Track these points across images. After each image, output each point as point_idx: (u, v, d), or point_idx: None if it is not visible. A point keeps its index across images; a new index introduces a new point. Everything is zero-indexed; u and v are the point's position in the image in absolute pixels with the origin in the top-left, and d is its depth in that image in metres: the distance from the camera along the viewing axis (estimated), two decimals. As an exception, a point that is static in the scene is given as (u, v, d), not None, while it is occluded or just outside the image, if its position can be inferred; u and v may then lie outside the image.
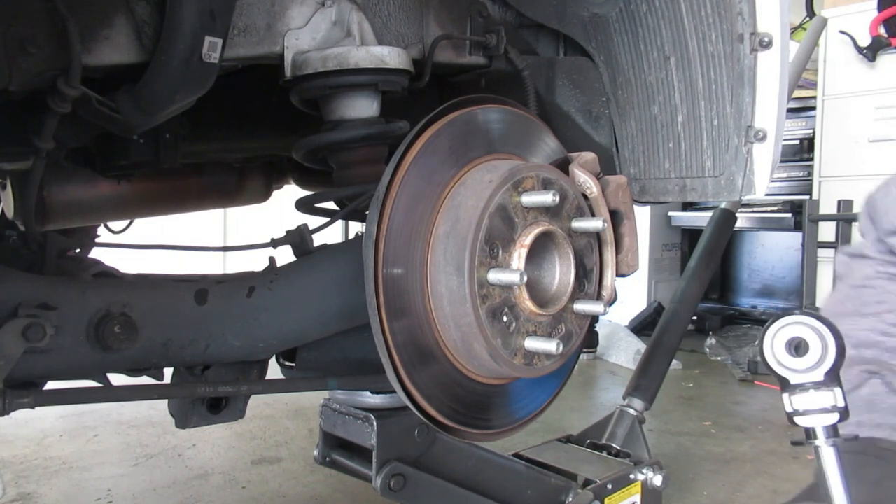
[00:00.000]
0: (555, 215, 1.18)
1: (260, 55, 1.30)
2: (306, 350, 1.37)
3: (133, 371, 1.25)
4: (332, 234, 2.66)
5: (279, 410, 3.28)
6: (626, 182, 1.32)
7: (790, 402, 0.83)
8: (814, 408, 0.82)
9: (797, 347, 0.82)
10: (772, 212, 4.71)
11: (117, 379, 1.27)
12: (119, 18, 1.13)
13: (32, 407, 1.11)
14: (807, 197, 4.23)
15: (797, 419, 0.84)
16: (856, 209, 3.75)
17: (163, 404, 1.35)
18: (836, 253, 1.24)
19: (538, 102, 1.58)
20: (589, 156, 1.31)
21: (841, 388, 0.82)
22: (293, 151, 1.47)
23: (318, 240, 1.42)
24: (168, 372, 1.31)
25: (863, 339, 1.03)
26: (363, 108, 1.37)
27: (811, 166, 4.35)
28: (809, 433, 0.83)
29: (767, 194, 1.69)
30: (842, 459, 0.82)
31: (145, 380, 1.29)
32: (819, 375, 0.81)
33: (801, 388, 0.82)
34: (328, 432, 1.45)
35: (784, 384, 0.83)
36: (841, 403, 0.82)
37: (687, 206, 5.14)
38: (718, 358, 4.32)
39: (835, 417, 0.82)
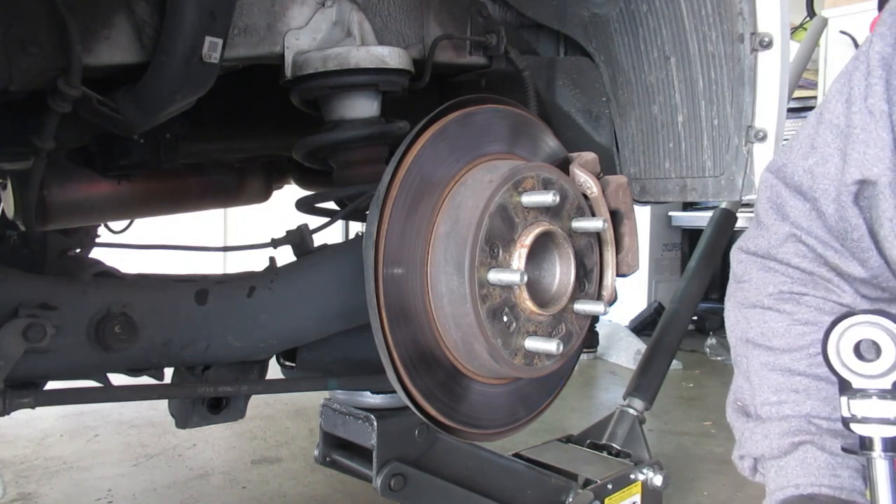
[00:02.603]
0: (555, 215, 1.18)
1: (260, 55, 1.30)
2: (307, 350, 1.37)
3: (133, 371, 1.25)
4: (332, 234, 2.67)
5: (279, 410, 3.28)
6: (626, 182, 1.32)
7: (848, 406, 0.77)
8: (874, 416, 0.76)
9: (867, 350, 0.76)
10: (772, 212, 4.69)
11: (117, 379, 1.27)
12: (119, 18, 1.13)
13: (33, 407, 1.11)
14: (807, 197, 4.22)
15: (853, 426, 0.78)
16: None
17: (163, 404, 1.35)
18: (735, 248, 1.08)
19: (538, 102, 1.58)
20: (589, 156, 1.31)
21: None
22: (293, 151, 1.47)
23: (319, 240, 1.42)
24: (168, 372, 1.31)
25: (780, 384, 0.96)
26: (363, 108, 1.37)
27: (811, 166, 4.33)
28: (865, 442, 0.77)
29: (768, 194, 1.68)
30: (894, 473, 0.77)
31: (145, 380, 1.29)
32: (887, 384, 0.75)
33: (863, 393, 0.76)
34: (328, 432, 1.45)
35: (844, 386, 0.77)
36: None
37: (687, 206, 5.14)
38: (719, 358, 4.32)
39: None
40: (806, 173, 0.97)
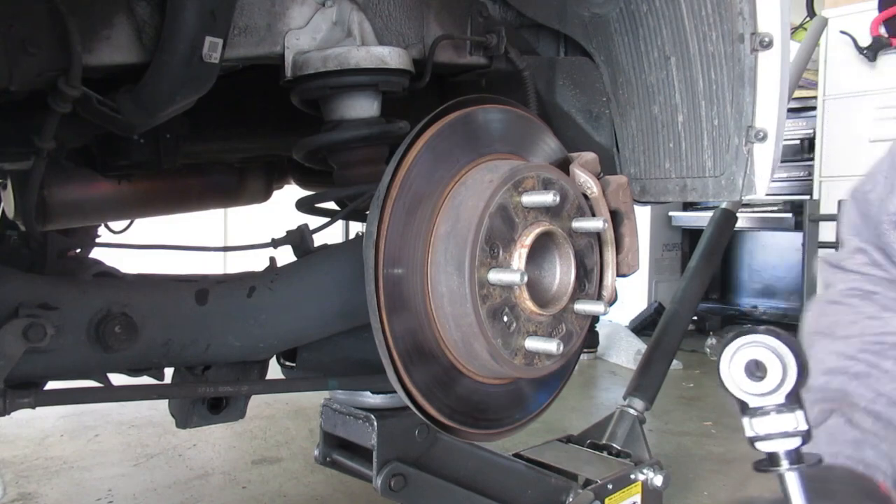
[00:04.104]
0: (555, 215, 1.18)
1: (260, 55, 1.30)
2: (307, 350, 1.37)
3: (133, 371, 1.25)
4: (332, 235, 2.67)
5: (280, 410, 3.28)
6: (626, 182, 1.32)
7: (751, 426, 0.77)
8: (775, 432, 0.76)
9: (756, 370, 0.76)
10: (772, 212, 4.71)
11: (118, 379, 1.27)
12: (119, 18, 1.13)
13: (33, 407, 1.11)
14: (807, 197, 4.23)
15: (759, 444, 0.78)
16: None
17: (163, 404, 1.35)
18: (819, 259, 1.20)
19: (538, 102, 1.58)
20: (589, 156, 1.31)
21: (803, 409, 0.77)
22: (293, 151, 1.47)
23: (319, 240, 1.42)
24: (168, 372, 1.31)
25: (832, 366, 1.00)
26: (363, 108, 1.37)
27: (812, 166, 4.34)
28: (772, 458, 0.77)
29: (768, 194, 1.68)
30: (805, 485, 0.77)
31: (146, 380, 1.29)
32: (780, 398, 0.76)
33: (762, 411, 0.77)
34: (329, 432, 1.45)
35: (743, 408, 0.78)
36: (803, 427, 0.76)
37: (687, 206, 5.14)
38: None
39: (797, 441, 0.76)
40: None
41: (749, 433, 0.78)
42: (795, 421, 0.76)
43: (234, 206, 2.32)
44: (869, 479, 0.86)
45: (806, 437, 0.77)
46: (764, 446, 0.78)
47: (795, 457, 0.77)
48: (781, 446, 0.77)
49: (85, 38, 1.09)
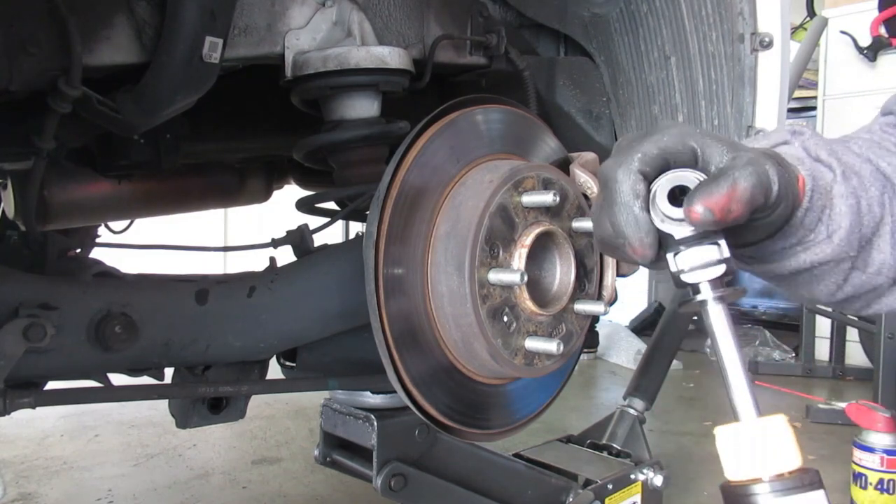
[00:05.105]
0: (555, 215, 1.18)
1: (260, 55, 1.30)
2: (307, 350, 1.37)
3: (134, 371, 1.25)
4: (332, 235, 2.67)
5: (280, 410, 3.28)
6: (626, 182, 1.32)
7: (674, 261, 0.76)
8: (699, 263, 0.75)
9: (680, 197, 0.75)
10: (772, 211, 4.70)
11: (118, 379, 1.27)
12: (120, 18, 1.13)
13: (33, 407, 1.11)
14: (807, 197, 4.23)
15: (683, 277, 0.76)
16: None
17: (163, 404, 1.35)
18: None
19: (539, 102, 1.58)
20: (589, 156, 1.31)
21: (725, 240, 0.75)
22: (293, 151, 1.47)
23: (319, 240, 1.42)
24: (169, 372, 1.31)
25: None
26: (364, 108, 1.37)
27: (812, 166, 4.34)
28: (695, 290, 0.76)
29: (768, 194, 1.68)
30: (730, 316, 0.76)
31: (146, 380, 1.29)
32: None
33: (685, 242, 0.75)
34: (329, 432, 1.45)
35: (668, 243, 0.76)
36: (726, 254, 0.75)
37: (688, 206, 5.14)
38: (719, 358, 4.31)
39: (721, 269, 0.75)
40: None
41: (673, 268, 0.77)
42: (719, 251, 0.75)
43: (234, 206, 2.32)
44: (792, 167, 0.80)
45: (728, 264, 0.76)
46: (688, 278, 0.77)
47: (719, 284, 0.76)
48: (705, 276, 0.76)
49: (85, 38, 1.09)
